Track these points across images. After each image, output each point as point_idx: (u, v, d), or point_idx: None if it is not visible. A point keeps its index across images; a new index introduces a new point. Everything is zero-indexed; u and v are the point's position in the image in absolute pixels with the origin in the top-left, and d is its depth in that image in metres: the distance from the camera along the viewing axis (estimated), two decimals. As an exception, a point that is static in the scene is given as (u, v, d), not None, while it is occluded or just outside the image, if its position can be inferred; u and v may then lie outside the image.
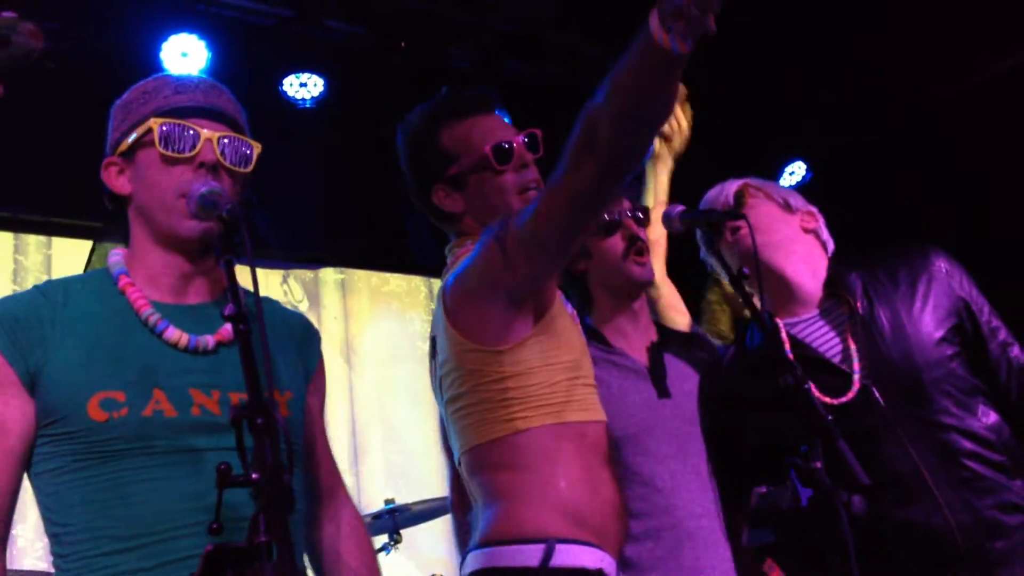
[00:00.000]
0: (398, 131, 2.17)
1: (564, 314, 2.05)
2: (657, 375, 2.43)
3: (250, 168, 1.75)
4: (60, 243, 4.95)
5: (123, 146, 1.74)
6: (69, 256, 4.92)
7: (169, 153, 1.68)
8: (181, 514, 1.53)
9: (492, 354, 1.93)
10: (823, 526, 1.67)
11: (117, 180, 1.75)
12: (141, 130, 1.72)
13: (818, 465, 1.65)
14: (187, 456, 1.57)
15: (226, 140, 1.72)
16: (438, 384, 2.09)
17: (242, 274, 1.57)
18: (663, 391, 2.42)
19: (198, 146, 1.69)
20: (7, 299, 1.70)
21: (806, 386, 1.70)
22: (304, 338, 1.88)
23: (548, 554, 1.85)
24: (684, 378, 2.48)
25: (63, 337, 1.62)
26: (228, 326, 1.65)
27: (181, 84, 1.76)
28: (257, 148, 1.76)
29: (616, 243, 2.45)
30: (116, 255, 1.75)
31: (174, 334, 1.65)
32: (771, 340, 1.84)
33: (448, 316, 1.98)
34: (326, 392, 1.95)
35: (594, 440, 2.00)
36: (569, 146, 1.71)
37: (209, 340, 1.66)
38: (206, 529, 1.28)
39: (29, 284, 4.79)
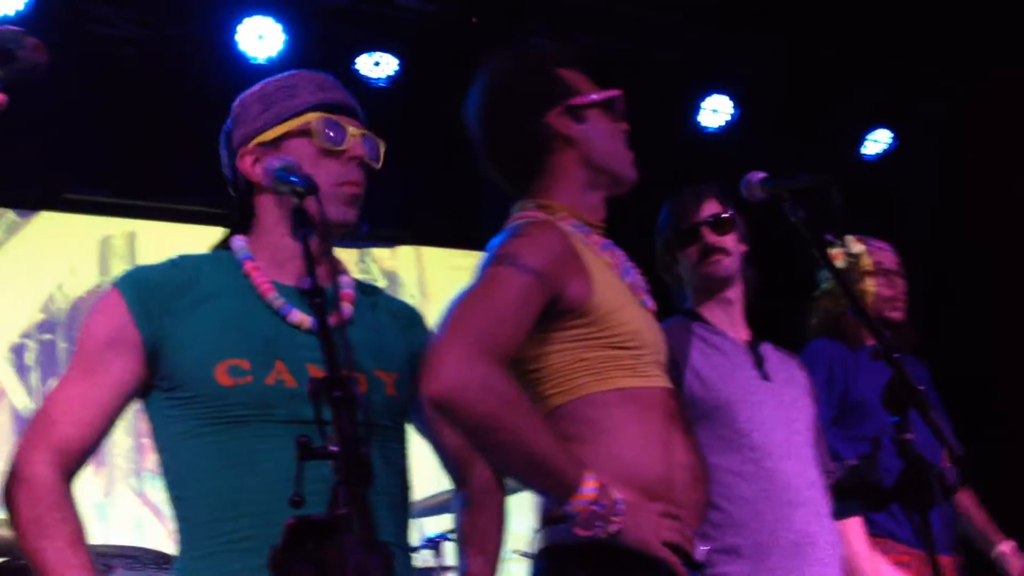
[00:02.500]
0: (490, 66, 2.11)
1: (611, 292, 1.96)
2: (757, 360, 2.51)
3: (380, 162, 1.84)
4: (144, 225, 5.05)
5: (266, 136, 1.79)
6: (152, 238, 5.02)
7: (329, 146, 1.76)
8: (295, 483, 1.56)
9: None
10: (914, 499, 1.62)
11: (254, 169, 1.79)
12: (296, 123, 1.77)
13: (910, 437, 1.60)
14: (303, 427, 1.57)
15: (365, 137, 1.81)
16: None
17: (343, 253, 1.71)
18: (764, 375, 2.49)
19: (347, 141, 1.77)
20: (143, 267, 1.77)
21: (896, 354, 1.65)
22: (409, 321, 1.91)
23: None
24: (780, 367, 2.55)
25: (192, 309, 1.68)
26: (345, 308, 1.75)
27: (323, 81, 1.84)
28: (383, 146, 1.85)
29: (692, 253, 2.56)
30: (239, 241, 1.80)
31: (298, 316, 1.70)
32: (855, 305, 1.78)
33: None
34: None
35: (657, 404, 1.93)
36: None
37: (330, 321, 1.70)
38: (316, 499, 1.29)
39: (115, 266, 4.92)
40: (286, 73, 1.87)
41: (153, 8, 4.61)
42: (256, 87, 1.86)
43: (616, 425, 1.88)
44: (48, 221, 4.88)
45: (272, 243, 1.77)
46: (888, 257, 3.14)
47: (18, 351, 4.67)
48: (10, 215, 4.81)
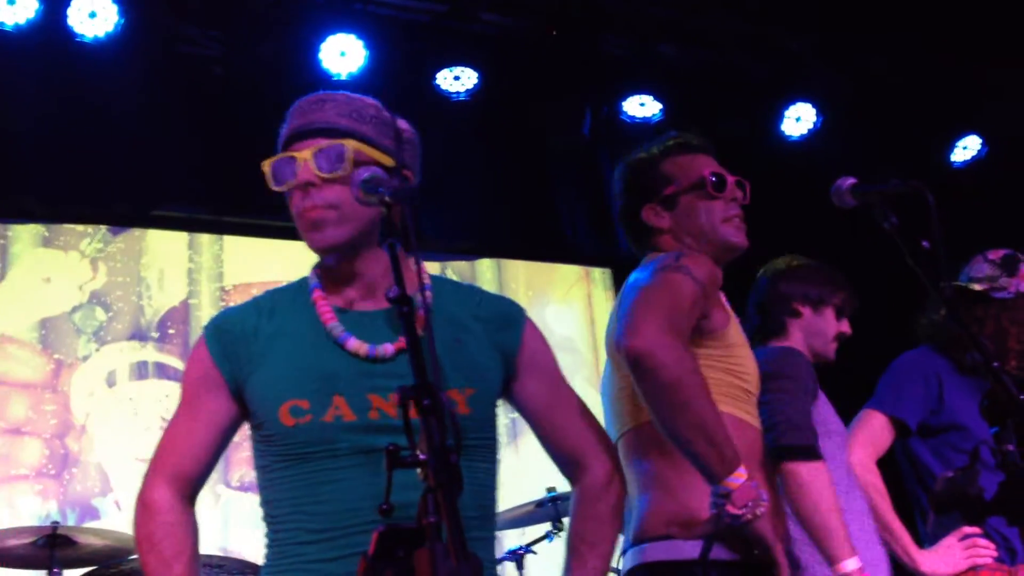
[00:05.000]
0: (620, 163, 2.32)
1: (736, 330, 2.11)
2: None
3: (344, 165, 1.74)
4: (230, 240, 5.15)
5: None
6: (239, 252, 5.12)
7: (279, 188, 1.80)
8: (363, 512, 1.63)
9: None
10: (1015, 511, 1.57)
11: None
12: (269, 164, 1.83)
13: (1011, 448, 1.55)
14: (368, 457, 1.66)
15: (320, 153, 1.76)
16: (606, 375, 2.17)
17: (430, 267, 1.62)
18: None
19: (297, 171, 1.76)
20: (226, 311, 1.90)
21: (995, 364, 1.60)
22: (502, 323, 1.88)
23: (708, 546, 1.84)
24: None
25: (266, 350, 1.78)
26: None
27: (291, 112, 1.85)
28: (350, 144, 1.75)
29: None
30: (315, 267, 1.86)
31: (354, 344, 1.74)
32: (953, 314, 1.74)
33: (620, 306, 2.03)
34: (548, 361, 1.96)
35: (751, 442, 2.04)
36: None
37: (388, 348, 1.74)
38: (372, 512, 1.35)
39: (203, 281, 5.04)
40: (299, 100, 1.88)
41: (238, 28, 4.71)
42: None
43: None
44: (138, 237, 5.01)
45: (329, 267, 1.82)
46: None
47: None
48: (103, 231, 4.95)
